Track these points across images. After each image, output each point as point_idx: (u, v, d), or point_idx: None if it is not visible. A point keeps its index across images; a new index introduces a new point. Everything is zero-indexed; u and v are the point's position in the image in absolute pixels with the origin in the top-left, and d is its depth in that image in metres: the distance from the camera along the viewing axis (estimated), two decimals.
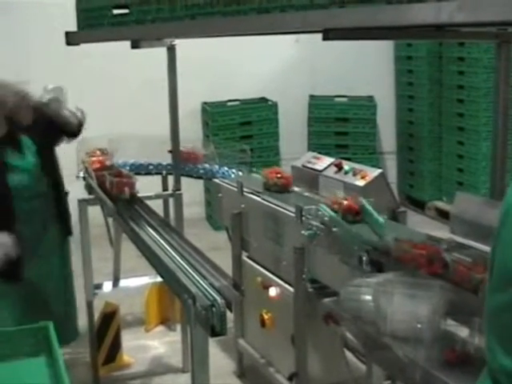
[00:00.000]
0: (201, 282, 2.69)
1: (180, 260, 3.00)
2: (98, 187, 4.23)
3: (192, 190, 6.39)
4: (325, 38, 2.06)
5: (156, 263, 3.12)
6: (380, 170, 3.98)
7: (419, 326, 2.22)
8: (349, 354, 3.76)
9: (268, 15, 2.11)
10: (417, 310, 2.23)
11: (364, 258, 2.77)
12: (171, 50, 4.41)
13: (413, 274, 2.45)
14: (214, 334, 2.45)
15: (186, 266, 2.92)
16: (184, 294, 2.59)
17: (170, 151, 4.66)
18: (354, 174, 3.90)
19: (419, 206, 8.38)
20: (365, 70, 8.63)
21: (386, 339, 2.28)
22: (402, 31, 2.26)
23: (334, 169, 4.06)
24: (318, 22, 1.90)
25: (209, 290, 2.60)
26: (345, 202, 3.23)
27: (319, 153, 4.56)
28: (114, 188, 4.14)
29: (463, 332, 2.22)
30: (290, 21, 2.02)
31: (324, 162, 4.24)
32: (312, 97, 8.60)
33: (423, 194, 8.35)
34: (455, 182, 7.83)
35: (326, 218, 3.16)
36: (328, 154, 4.55)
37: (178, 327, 4.98)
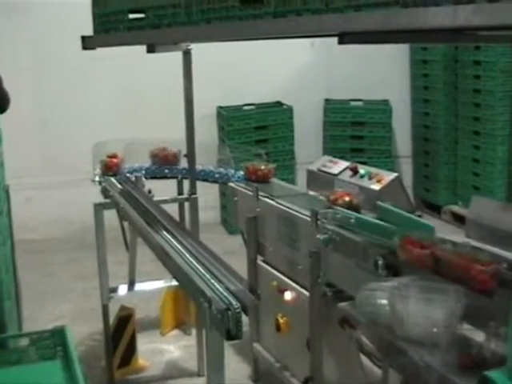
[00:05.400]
0: (216, 285, 2.69)
1: (195, 263, 3.00)
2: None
3: (207, 195, 6.40)
4: (340, 42, 2.05)
5: (171, 267, 3.12)
6: (396, 174, 3.96)
7: (435, 330, 2.21)
8: (364, 359, 3.75)
9: (284, 19, 2.11)
10: (433, 314, 2.22)
11: (380, 262, 2.76)
12: (187, 55, 4.42)
13: (428, 278, 2.44)
14: (229, 337, 2.44)
15: (201, 269, 2.91)
16: (199, 297, 2.59)
17: (186, 155, 4.67)
18: (370, 178, 3.89)
19: (435, 210, 8.35)
20: (380, 73, 8.62)
21: (402, 343, 2.27)
22: (418, 35, 2.25)
23: (350, 173, 4.05)
24: (333, 25, 1.89)
25: (224, 293, 2.59)
26: None
27: (335, 157, 4.56)
28: (104, 167, 4.71)
29: (479, 336, 2.21)
30: (306, 24, 2.01)
31: (339, 165, 4.23)
32: (327, 101, 8.60)
33: (439, 198, 8.32)
34: (471, 187, 7.80)
35: (341, 222, 3.15)
36: (343, 158, 4.54)
37: (194, 331, 4.99)
